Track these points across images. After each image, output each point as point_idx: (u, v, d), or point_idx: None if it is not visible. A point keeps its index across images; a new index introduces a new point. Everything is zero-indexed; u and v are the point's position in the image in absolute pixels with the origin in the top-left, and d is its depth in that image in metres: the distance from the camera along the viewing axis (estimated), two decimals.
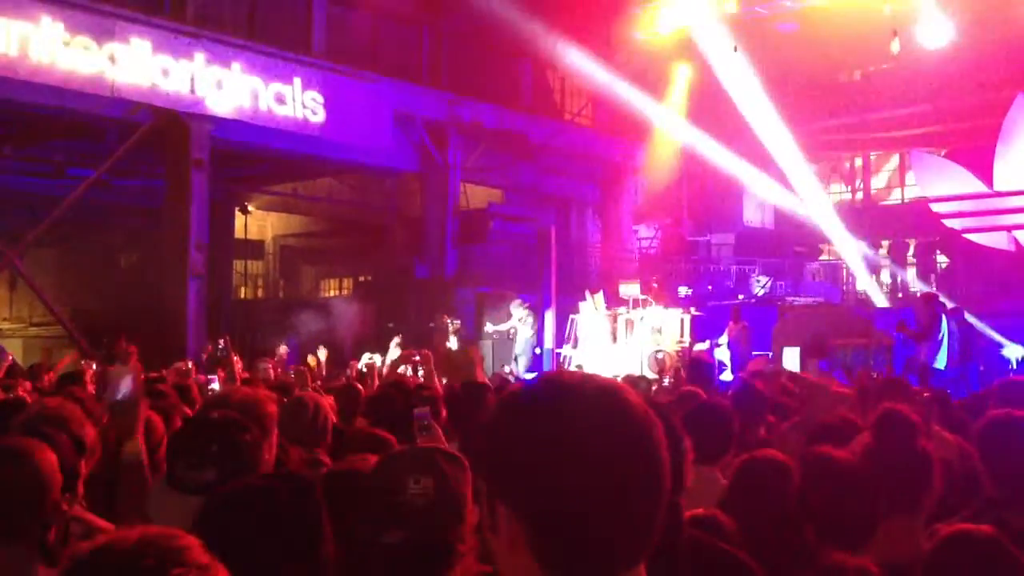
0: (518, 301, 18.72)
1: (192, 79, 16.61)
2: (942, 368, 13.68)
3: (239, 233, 22.60)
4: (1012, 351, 16.72)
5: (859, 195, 29.00)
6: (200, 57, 16.74)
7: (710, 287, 22.98)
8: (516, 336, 18.53)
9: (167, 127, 16.81)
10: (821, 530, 3.10)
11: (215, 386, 8.09)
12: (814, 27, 21.32)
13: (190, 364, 10.70)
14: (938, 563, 2.64)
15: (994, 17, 20.22)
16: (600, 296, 19.27)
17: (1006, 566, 2.55)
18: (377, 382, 8.45)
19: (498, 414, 1.36)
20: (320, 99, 18.42)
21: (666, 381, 9.86)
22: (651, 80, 23.56)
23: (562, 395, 1.30)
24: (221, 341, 8.71)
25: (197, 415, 3.79)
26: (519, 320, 18.51)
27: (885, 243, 26.04)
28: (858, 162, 28.97)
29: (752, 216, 26.23)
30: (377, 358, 14.52)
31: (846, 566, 2.89)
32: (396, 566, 2.18)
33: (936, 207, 23.98)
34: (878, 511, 3.07)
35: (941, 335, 14.40)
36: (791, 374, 8.65)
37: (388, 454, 2.58)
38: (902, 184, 27.93)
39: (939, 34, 20.93)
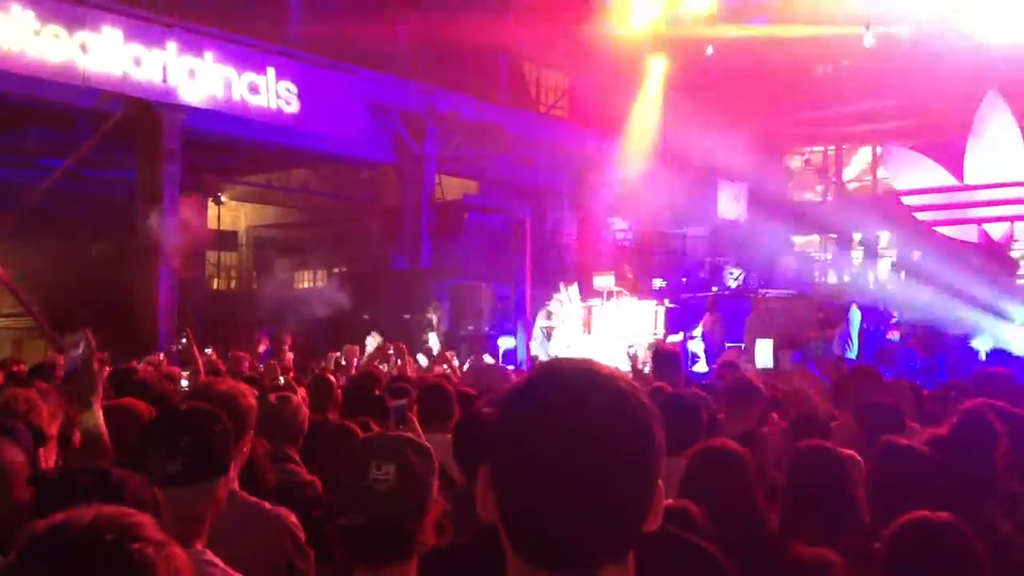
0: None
1: (164, 68, 16.47)
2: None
3: (212, 224, 22.45)
4: (980, 342, 16.91)
5: (830, 188, 29.19)
6: (172, 46, 16.61)
7: (684, 279, 23.07)
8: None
9: (139, 117, 16.67)
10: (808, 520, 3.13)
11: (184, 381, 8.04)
12: (786, 20, 21.40)
13: (161, 356, 10.66)
14: (895, 549, 2.66)
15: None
16: (575, 288, 19.31)
17: (963, 552, 2.57)
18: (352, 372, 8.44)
19: (501, 400, 1.37)
20: (294, 89, 18.32)
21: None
22: (627, 73, 23.58)
23: (549, 381, 1.30)
24: (183, 335, 8.63)
25: (168, 407, 3.77)
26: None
27: (857, 236, 26.21)
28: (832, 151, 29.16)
29: (726, 209, 26.31)
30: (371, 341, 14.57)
31: (810, 557, 2.93)
32: (354, 548, 2.22)
33: (907, 200, 24.20)
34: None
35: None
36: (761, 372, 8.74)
37: (354, 441, 2.60)
38: (874, 177, 28.15)
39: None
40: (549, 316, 18.51)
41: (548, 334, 18.35)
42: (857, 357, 15.12)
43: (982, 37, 20.68)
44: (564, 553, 1.24)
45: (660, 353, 8.44)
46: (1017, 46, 20.40)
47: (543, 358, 17.80)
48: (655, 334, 18.44)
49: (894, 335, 17.37)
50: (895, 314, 18.31)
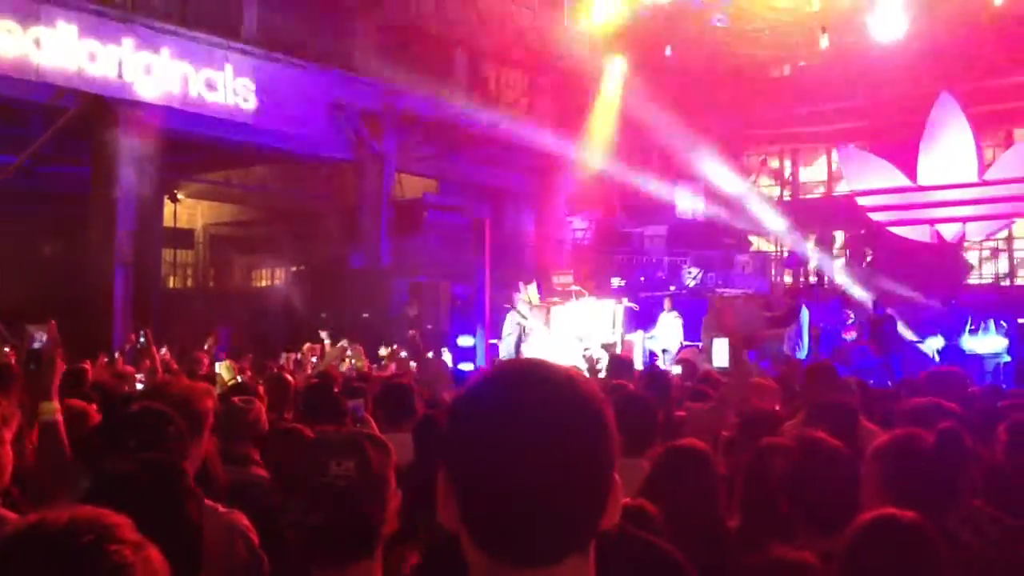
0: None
1: (120, 64, 16.28)
2: (804, 358, 14.22)
3: (168, 221, 22.20)
4: (930, 344, 17.19)
5: (787, 188, 29.49)
6: (128, 42, 16.41)
7: (643, 278, 23.19)
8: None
9: (94, 113, 16.46)
10: (808, 515, 3.14)
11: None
12: (745, 21, 21.58)
13: (116, 355, 10.54)
14: (859, 547, 2.66)
15: (920, 15, 20.66)
16: (534, 287, 19.34)
17: (926, 551, 2.59)
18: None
19: (453, 402, 1.37)
20: (252, 86, 18.19)
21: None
22: (586, 72, 23.66)
23: (500, 380, 1.31)
24: (142, 334, 8.54)
25: (119, 408, 3.73)
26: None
27: (812, 236, 26.52)
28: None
29: (684, 208, 26.52)
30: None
31: (787, 559, 2.93)
32: (318, 548, 2.19)
33: (862, 201, 24.54)
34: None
35: (800, 326, 15.12)
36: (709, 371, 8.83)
37: (314, 437, 2.59)
38: (829, 178, 28.48)
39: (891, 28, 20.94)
40: (522, 316, 18.40)
41: (522, 333, 18.24)
42: (808, 356, 15.30)
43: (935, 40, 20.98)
44: (526, 547, 1.25)
45: (613, 359, 8.56)
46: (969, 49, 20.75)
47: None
48: (613, 334, 18.50)
49: (850, 334, 17.59)
50: (850, 313, 18.55)
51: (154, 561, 1.38)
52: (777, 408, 5.82)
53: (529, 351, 17.85)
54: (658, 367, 12.33)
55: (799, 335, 15.43)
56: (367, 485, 2.21)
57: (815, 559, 2.75)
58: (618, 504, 1.31)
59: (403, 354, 14.53)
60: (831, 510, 3.16)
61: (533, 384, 1.29)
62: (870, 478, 3.29)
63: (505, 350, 17.88)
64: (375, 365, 13.85)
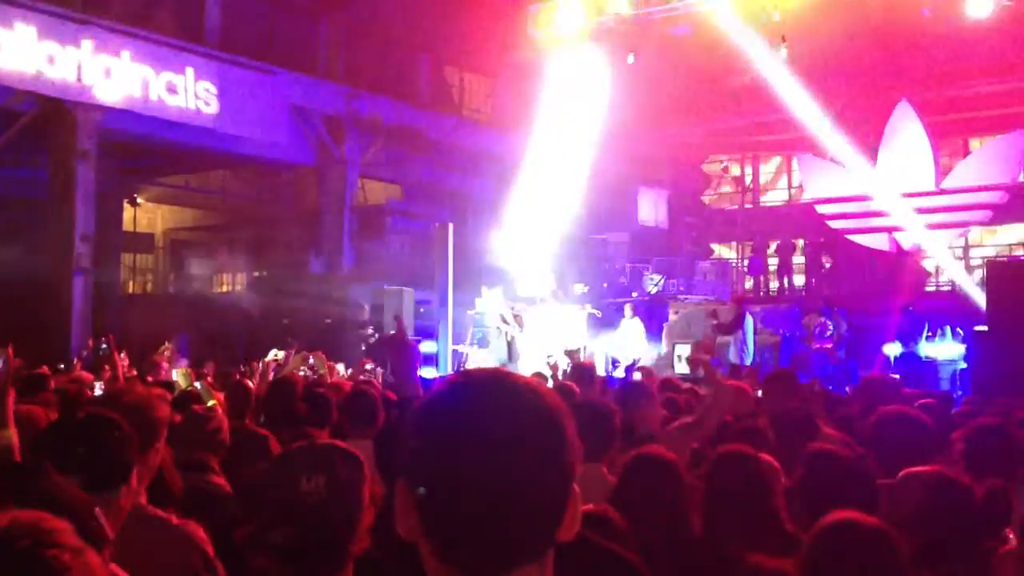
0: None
1: (79, 67, 16.10)
2: (749, 363, 14.37)
3: (128, 226, 22.01)
4: (888, 350, 17.39)
5: (748, 195, 29.74)
6: (88, 44, 16.24)
7: (605, 285, 23.27)
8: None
9: (52, 116, 16.27)
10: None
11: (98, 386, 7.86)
12: (707, 31, 21.72)
13: (75, 361, 10.42)
14: (820, 548, 2.66)
15: (879, 21, 20.94)
16: (498, 292, 19.32)
17: (887, 555, 2.60)
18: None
19: (413, 412, 1.37)
20: (213, 90, 18.05)
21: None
22: (549, 78, 23.71)
23: (460, 389, 1.32)
24: (104, 340, 8.45)
25: (64, 416, 3.67)
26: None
27: (773, 244, 26.74)
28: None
29: (646, 215, 26.65)
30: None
31: (765, 567, 2.94)
32: (286, 565, 2.15)
33: (821, 208, 24.78)
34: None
35: (744, 333, 15.31)
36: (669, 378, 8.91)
37: (284, 451, 2.55)
38: (789, 186, 28.74)
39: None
40: (504, 321, 18.00)
41: (510, 341, 17.77)
42: (753, 362, 15.45)
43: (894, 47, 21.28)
44: (483, 556, 1.25)
45: (575, 366, 8.64)
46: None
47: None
48: (577, 339, 18.52)
49: (809, 341, 17.76)
50: (809, 320, 18.70)
51: (93, 566, 1.37)
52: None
53: (519, 358, 17.68)
54: (584, 362, 12.41)
55: (744, 342, 15.60)
56: (338, 502, 2.17)
57: (792, 568, 2.76)
58: (577, 516, 1.31)
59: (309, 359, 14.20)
60: (751, 521, 3.21)
61: (494, 394, 1.29)
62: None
63: (497, 358, 17.40)
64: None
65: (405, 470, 1.31)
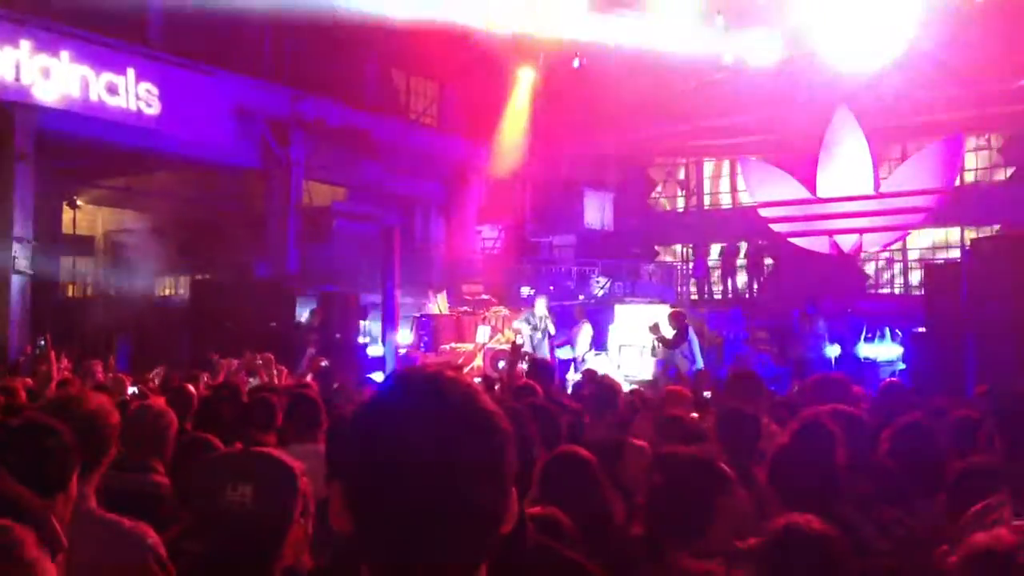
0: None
1: (17, 67, 15.80)
2: (701, 368, 14.52)
3: (67, 228, 21.62)
4: (828, 352, 17.65)
5: (693, 199, 30.05)
6: (26, 44, 15.95)
7: (552, 288, 23.34)
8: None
9: None
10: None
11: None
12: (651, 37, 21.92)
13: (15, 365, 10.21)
14: (769, 556, 2.69)
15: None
16: (443, 296, 19.33)
17: (835, 559, 2.63)
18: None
19: (352, 413, 1.38)
20: (155, 91, 17.81)
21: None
22: (496, 82, 23.77)
23: (398, 391, 1.33)
24: (41, 339, 8.32)
25: None
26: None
27: (717, 246, 27.05)
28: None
29: (592, 218, 26.80)
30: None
31: (692, 571, 2.96)
32: (204, 574, 2.08)
33: (764, 212, 25.13)
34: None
35: (690, 343, 15.57)
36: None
37: (212, 457, 2.49)
38: (733, 190, 29.09)
39: (767, 53, 22.04)
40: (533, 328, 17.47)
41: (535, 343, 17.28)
42: (706, 366, 15.56)
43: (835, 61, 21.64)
44: (413, 559, 1.25)
45: (533, 362, 8.65)
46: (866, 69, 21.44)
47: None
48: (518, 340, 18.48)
49: (750, 343, 17.98)
50: (750, 323, 18.95)
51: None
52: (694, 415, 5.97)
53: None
54: (542, 359, 12.44)
55: (692, 351, 15.70)
56: (265, 513, 2.07)
57: (722, 570, 2.78)
58: (512, 516, 1.32)
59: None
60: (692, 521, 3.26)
61: (432, 397, 1.29)
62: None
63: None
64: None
65: (339, 471, 1.33)
